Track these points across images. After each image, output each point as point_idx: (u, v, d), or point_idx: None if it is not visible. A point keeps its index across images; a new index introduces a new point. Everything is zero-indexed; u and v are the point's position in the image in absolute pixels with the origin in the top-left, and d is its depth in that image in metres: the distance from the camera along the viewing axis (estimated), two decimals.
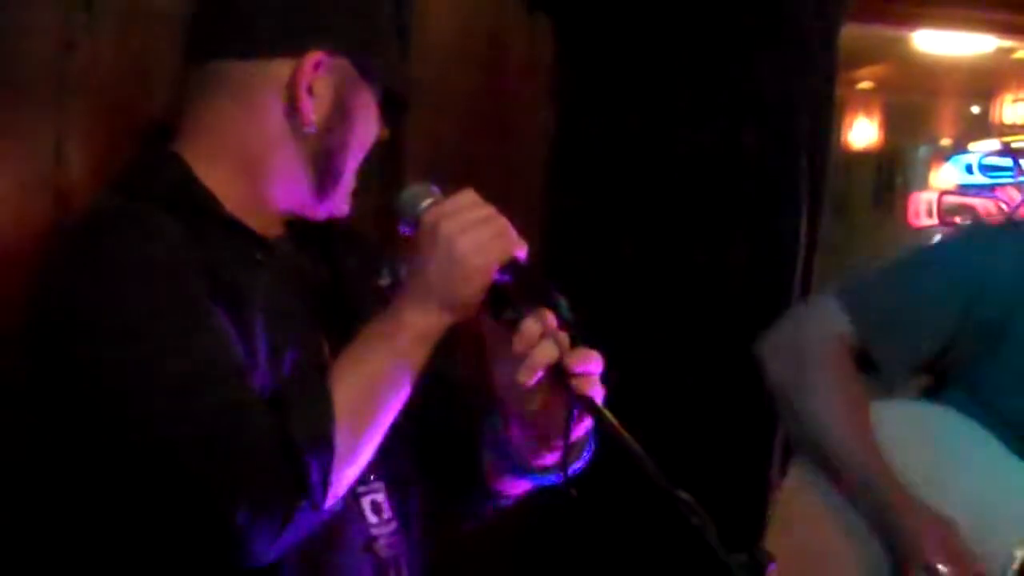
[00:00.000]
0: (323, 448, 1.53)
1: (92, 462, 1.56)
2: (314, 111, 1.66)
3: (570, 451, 1.62)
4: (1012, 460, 2.28)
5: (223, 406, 1.51)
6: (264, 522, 1.50)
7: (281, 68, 1.66)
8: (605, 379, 1.61)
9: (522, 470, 1.73)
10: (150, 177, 1.67)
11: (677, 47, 3.18)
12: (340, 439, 1.54)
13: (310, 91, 1.65)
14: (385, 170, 2.97)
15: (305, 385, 1.58)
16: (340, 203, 1.74)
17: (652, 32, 3.17)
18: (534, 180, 3.18)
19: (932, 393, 2.43)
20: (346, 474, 1.57)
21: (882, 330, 2.34)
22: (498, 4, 3.16)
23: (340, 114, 1.68)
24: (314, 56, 1.65)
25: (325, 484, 1.53)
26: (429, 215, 1.60)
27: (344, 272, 1.79)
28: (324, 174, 1.69)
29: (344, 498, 1.61)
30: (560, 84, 3.17)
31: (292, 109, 1.66)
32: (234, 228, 1.67)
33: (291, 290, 1.71)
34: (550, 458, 1.70)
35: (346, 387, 1.57)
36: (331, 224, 1.77)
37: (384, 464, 1.69)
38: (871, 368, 2.37)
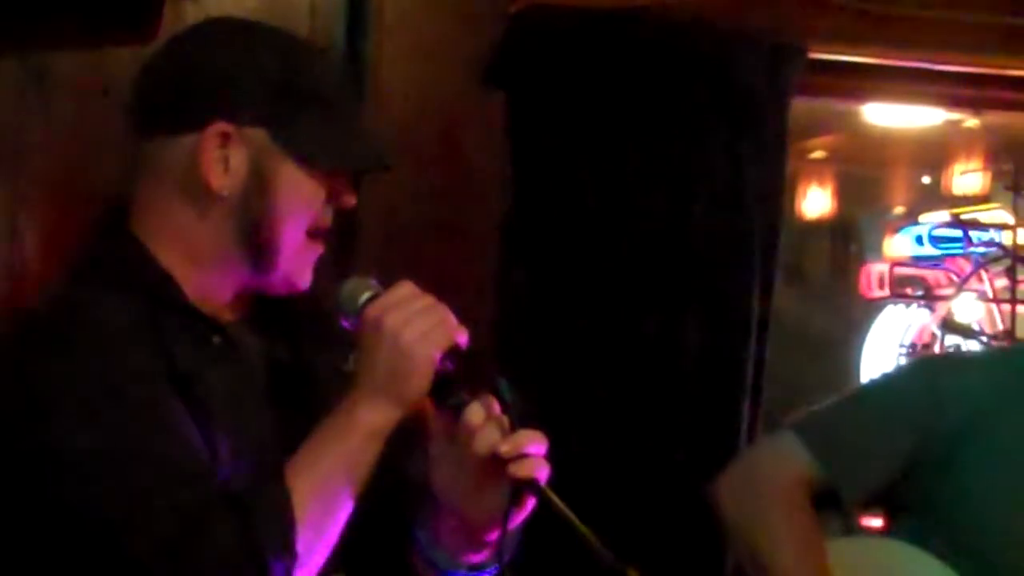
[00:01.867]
0: (286, 552, 1.54)
1: (51, 563, 1.55)
2: (226, 183, 1.65)
3: (506, 538, 1.62)
4: None
5: (187, 509, 1.51)
6: None
7: (189, 141, 1.65)
8: (551, 458, 1.62)
9: (450, 571, 1.73)
10: (109, 262, 1.67)
11: (629, 120, 3.21)
12: (300, 540, 1.56)
13: (226, 163, 1.65)
14: (340, 246, 3.00)
15: (266, 486, 1.58)
16: (297, 276, 1.71)
17: (604, 105, 3.20)
18: (489, 254, 3.19)
19: (886, 524, 2.45)
20: (304, 573, 1.58)
21: (843, 462, 2.36)
22: (452, 80, 3.18)
23: (258, 186, 1.66)
24: (217, 127, 1.64)
25: None
26: (372, 310, 1.61)
27: (306, 355, 1.78)
28: (256, 248, 1.68)
29: None
30: (514, 158, 3.20)
31: (199, 182, 1.65)
32: (191, 313, 1.67)
33: (249, 376, 1.71)
34: (480, 556, 1.71)
35: (304, 488, 1.58)
36: (295, 305, 1.76)
37: (347, 554, 1.68)
38: (830, 502, 2.38)
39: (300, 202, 1.68)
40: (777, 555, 2.33)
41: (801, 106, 3.37)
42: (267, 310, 1.75)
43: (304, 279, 1.72)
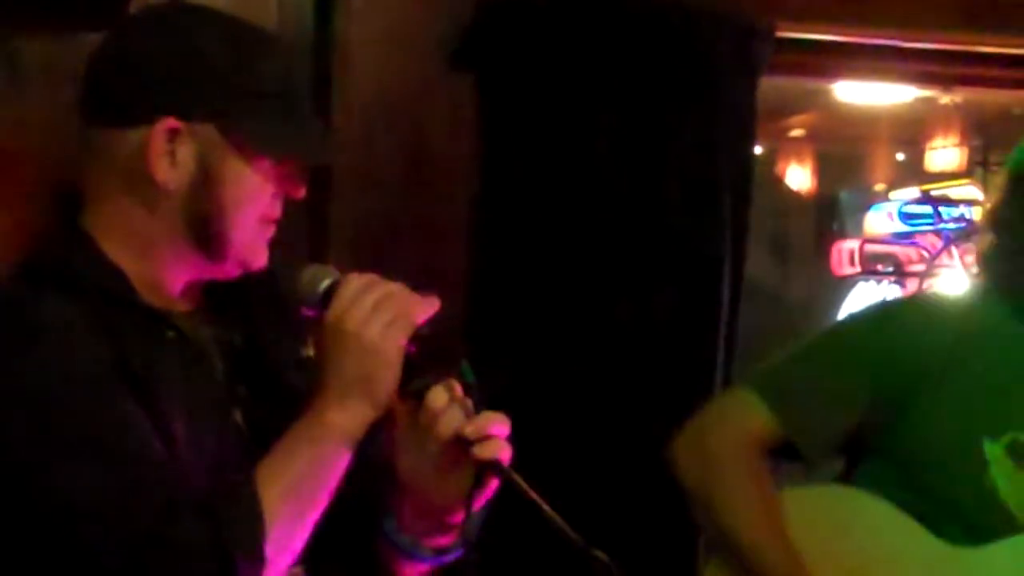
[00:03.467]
0: (255, 555, 1.54)
1: (16, 566, 1.54)
2: (173, 178, 1.64)
3: (470, 520, 1.63)
4: (930, 542, 2.32)
5: (152, 510, 1.51)
6: None
7: (137, 136, 1.63)
8: (522, 440, 1.63)
9: (416, 554, 1.73)
10: (58, 259, 1.65)
11: (598, 101, 3.21)
12: (269, 544, 1.55)
13: (172, 157, 1.63)
14: (312, 232, 3.00)
15: (235, 489, 1.57)
16: (250, 257, 1.70)
17: (573, 87, 3.20)
18: (460, 237, 3.20)
19: (847, 471, 2.47)
20: (270, 574, 1.58)
21: (801, 414, 2.37)
22: (420, 64, 3.18)
23: (205, 180, 1.65)
24: (166, 123, 1.62)
25: None
26: (330, 314, 1.61)
27: (263, 341, 1.76)
28: (205, 240, 1.67)
29: None
30: (483, 142, 3.20)
31: (146, 176, 1.64)
32: (141, 309, 1.65)
33: (206, 369, 1.70)
34: (445, 539, 1.71)
35: (274, 492, 1.57)
36: (251, 291, 1.74)
37: (306, 549, 1.66)
38: (791, 454, 2.40)
39: (248, 195, 1.67)
40: (733, 518, 2.35)
41: (778, 84, 3.37)
42: (222, 298, 1.74)
43: (259, 259, 1.71)
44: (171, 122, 1.63)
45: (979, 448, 2.30)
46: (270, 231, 1.71)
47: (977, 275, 2.50)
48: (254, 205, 1.68)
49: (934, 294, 2.85)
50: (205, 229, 1.67)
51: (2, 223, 2.80)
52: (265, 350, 1.76)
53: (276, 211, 1.71)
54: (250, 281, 1.73)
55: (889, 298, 5.62)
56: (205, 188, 1.65)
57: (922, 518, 2.31)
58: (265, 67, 1.68)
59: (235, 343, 1.75)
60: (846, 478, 2.46)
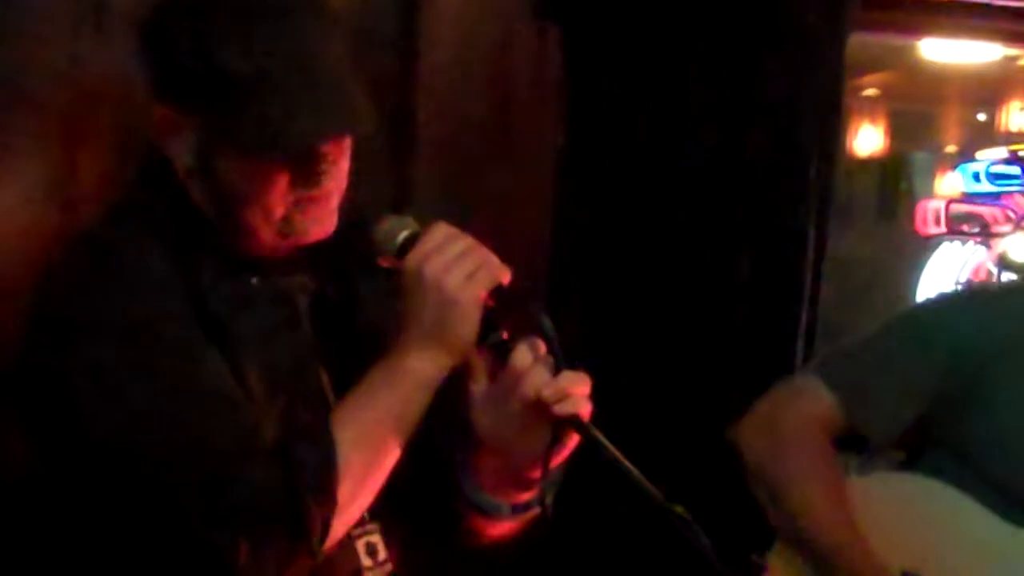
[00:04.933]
0: (326, 498, 1.54)
1: (87, 501, 1.57)
2: (183, 163, 1.63)
3: (549, 475, 1.62)
4: (996, 524, 2.30)
5: (224, 448, 1.52)
6: (262, 565, 1.52)
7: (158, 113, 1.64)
8: (603, 393, 1.63)
9: (494, 511, 1.73)
10: (145, 204, 1.67)
11: (685, 54, 3.19)
12: (342, 488, 1.56)
13: (180, 143, 1.62)
14: (396, 184, 3.01)
15: (309, 434, 1.58)
16: (295, 236, 1.66)
17: (660, 39, 3.18)
18: (544, 189, 3.19)
19: (908, 463, 2.46)
20: (344, 520, 1.59)
21: (867, 403, 2.36)
22: (505, 15, 3.17)
23: (205, 171, 1.63)
24: (162, 110, 1.62)
25: (325, 532, 1.55)
26: (411, 260, 1.59)
27: (359, 294, 1.77)
28: (230, 223, 1.65)
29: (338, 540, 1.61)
30: (568, 93, 3.18)
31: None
32: (226, 256, 1.66)
33: (290, 316, 1.70)
34: (524, 496, 1.71)
35: (349, 436, 1.58)
36: (348, 242, 1.73)
37: (380, 505, 1.68)
38: (856, 443, 2.39)
39: (249, 187, 1.62)
40: (798, 496, 2.34)
41: (853, 42, 3.33)
42: (318, 247, 1.72)
43: (310, 235, 1.66)
44: (165, 110, 1.62)
45: None
46: (321, 204, 1.65)
47: None
48: (267, 194, 1.62)
49: (998, 285, 2.81)
50: (224, 215, 1.65)
51: (88, 169, 2.85)
52: (359, 302, 1.75)
53: (310, 189, 1.64)
54: (345, 232, 1.71)
55: (954, 288, 5.61)
56: (209, 178, 1.64)
57: (987, 506, 2.30)
58: (276, 54, 1.58)
59: (328, 293, 1.74)
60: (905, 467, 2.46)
